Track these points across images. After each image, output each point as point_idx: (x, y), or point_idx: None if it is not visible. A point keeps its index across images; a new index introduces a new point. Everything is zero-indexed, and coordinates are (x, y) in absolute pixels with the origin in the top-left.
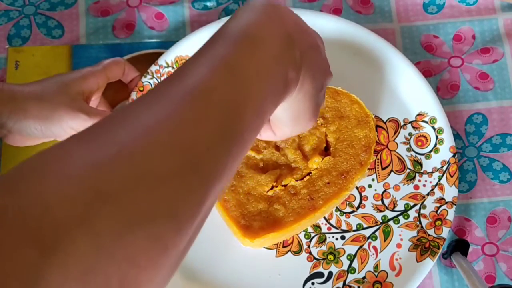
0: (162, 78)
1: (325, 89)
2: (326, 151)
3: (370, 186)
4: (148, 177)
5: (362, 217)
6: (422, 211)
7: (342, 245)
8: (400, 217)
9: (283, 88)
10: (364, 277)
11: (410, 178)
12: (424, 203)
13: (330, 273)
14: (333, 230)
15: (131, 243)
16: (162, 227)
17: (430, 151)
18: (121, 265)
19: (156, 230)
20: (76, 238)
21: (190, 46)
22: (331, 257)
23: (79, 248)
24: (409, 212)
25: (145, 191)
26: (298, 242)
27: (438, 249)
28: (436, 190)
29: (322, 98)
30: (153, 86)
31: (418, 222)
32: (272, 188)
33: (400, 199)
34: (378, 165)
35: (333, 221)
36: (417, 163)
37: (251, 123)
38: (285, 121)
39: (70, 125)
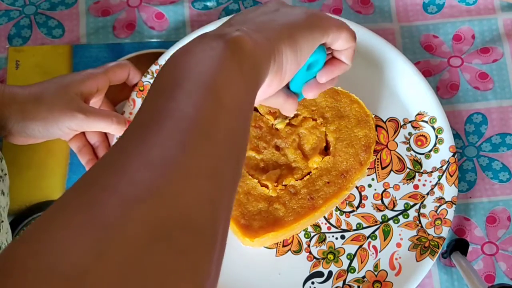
0: None
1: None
2: (326, 150)
3: (370, 185)
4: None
5: (362, 216)
6: (422, 210)
7: (342, 244)
8: (400, 217)
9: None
10: (364, 277)
11: (410, 178)
12: (424, 202)
13: (330, 273)
14: (333, 229)
15: None
16: None
17: (430, 151)
18: None
19: None
20: None
21: None
22: (331, 256)
23: None
24: (408, 211)
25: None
26: (298, 241)
27: (438, 248)
28: (436, 189)
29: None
30: None
31: (417, 222)
32: None
33: (400, 199)
34: (378, 164)
35: (333, 221)
36: (417, 163)
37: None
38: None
39: (67, 125)
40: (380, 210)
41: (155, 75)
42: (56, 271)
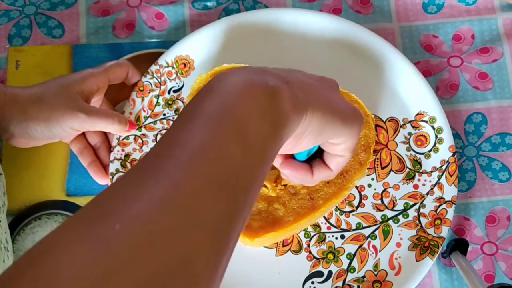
0: (162, 78)
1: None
2: None
3: (369, 185)
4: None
5: (362, 216)
6: (422, 210)
7: (342, 244)
8: (400, 217)
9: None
10: (363, 276)
11: (409, 178)
12: (424, 202)
13: (330, 272)
14: (333, 229)
15: None
16: None
17: (430, 151)
18: None
19: None
20: None
21: (190, 46)
22: (330, 256)
23: None
24: (408, 211)
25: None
26: (298, 241)
27: (438, 248)
28: (436, 189)
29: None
30: (153, 86)
31: (417, 222)
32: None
33: (400, 199)
34: (377, 164)
35: (332, 221)
36: (417, 163)
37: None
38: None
39: (69, 125)
40: (380, 210)
41: (155, 75)
42: None
